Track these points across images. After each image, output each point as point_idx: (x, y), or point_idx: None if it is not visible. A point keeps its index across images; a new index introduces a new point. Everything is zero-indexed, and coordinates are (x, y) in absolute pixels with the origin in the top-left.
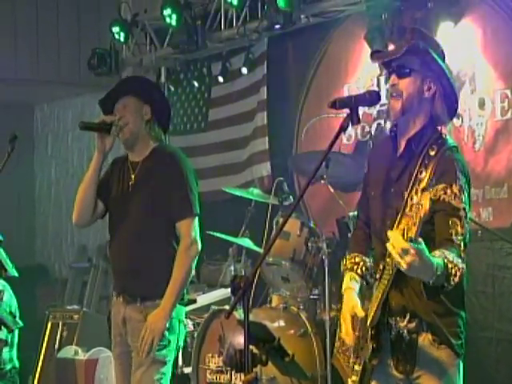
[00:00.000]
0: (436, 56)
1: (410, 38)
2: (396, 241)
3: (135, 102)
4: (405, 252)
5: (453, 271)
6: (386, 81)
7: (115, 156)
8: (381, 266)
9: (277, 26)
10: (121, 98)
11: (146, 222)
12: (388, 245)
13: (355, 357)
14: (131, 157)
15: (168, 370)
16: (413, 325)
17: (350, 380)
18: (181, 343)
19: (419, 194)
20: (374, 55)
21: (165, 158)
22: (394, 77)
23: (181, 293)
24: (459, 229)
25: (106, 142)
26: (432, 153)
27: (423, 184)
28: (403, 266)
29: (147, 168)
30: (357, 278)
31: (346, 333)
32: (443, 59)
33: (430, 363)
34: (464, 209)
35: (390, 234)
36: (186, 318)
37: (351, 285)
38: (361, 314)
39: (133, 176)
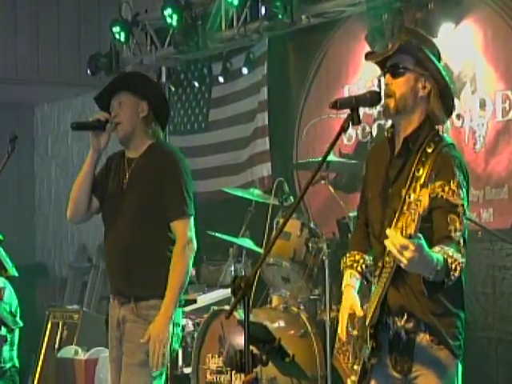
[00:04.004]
0: (431, 55)
1: (403, 37)
2: (395, 238)
3: (131, 98)
4: (404, 248)
5: (453, 266)
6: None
7: (113, 151)
8: (379, 266)
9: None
10: (116, 94)
11: (139, 221)
12: (386, 242)
13: (354, 357)
14: (127, 153)
15: (160, 373)
16: (410, 325)
17: (349, 380)
18: (176, 346)
19: (417, 191)
20: (368, 56)
21: (161, 156)
22: (388, 76)
23: (180, 294)
24: (458, 225)
25: (101, 140)
26: (429, 150)
27: (421, 181)
28: (403, 262)
29: (142, 165)
30: (357, 275)
31: (341, 330)
32: (439, 59)
33: (427, 363)
34: (462, 205)
35: (388, 232)
36: (183, 318)
37: (351, 282)
38: (360, 313)
39: (127, 173)
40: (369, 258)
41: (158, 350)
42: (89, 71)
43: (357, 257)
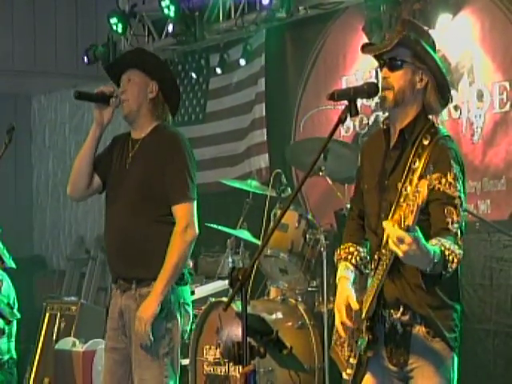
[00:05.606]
0: (428, 47)
1: (400, 29)
2: (391, 230)
3: (142, 77)
4: (400, 241)
5: (450, 258)
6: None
7: (116, 134)
8: (376, 258)
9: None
10: (128, 70)
11: (142, 202)
12: (385, 235)
13: (350, 350)
14: (132, 134)
15: (172, 360)
16: (406, 317)
17: (345, 373)
18: (186, 327)
19: (414, 183)
20: (365, 48)
21: (165, 137)
22: (385, 70)
23: (173, 278)
24: (455, 217)
25: (105, 114)
26: (425, 142)
27: (418, 173)
28: (399, 255)
29: (146, 146)
30: (351, 267)
31: (340, 323)
32: (434, 50)
33: (423, 355)
34: (459, 197)
35: (385, 224)
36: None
37: (345, 274)
38: (355, 306)
39: (131, 154)
40: (363, 251)
41: (139, 328)
42: (86, 59)
43: (351, 249)
